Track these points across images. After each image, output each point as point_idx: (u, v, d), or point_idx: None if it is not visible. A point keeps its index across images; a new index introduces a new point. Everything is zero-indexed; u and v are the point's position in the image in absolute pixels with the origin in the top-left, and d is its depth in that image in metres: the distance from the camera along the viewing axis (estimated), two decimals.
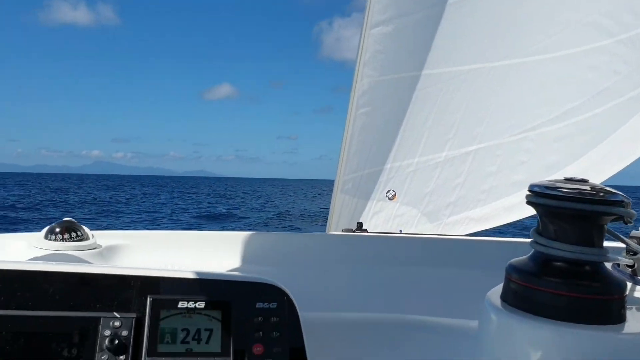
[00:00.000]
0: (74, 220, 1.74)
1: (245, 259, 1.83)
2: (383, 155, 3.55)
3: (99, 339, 0.99)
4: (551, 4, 3.21)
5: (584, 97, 3.27)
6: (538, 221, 1.05)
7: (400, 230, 3.54)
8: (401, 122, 3.48)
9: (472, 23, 3.33)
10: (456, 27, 3.34)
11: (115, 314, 1.02)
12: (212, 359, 1.01)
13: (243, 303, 1.08)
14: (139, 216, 25.61)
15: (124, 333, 1.00)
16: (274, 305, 1.09)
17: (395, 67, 3.39)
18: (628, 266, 1.16)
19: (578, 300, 0.96)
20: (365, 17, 3.29)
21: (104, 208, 29.67)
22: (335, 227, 3.57)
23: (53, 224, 1.71)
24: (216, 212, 28.82)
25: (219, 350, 1.02)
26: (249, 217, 26.09)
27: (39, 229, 1.74)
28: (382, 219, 3.64)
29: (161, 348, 1.01)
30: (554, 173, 3.29)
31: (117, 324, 1.01)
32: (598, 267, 1.00)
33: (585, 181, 1.00)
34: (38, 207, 28.43)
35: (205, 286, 1.08)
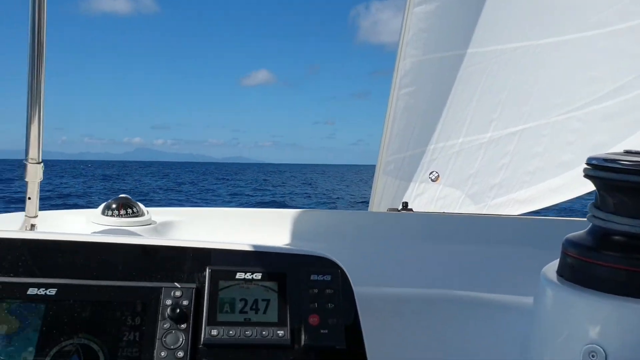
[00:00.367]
0: (130, 197, 1.80)
1: (295, 234, 1.86)
2: (426, 136, 3.52)
3: (160, 308, 1.02)
4: None
5: (633, 74, 3.16)
6: (596, 195, 1.03)
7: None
8: (445, 102, 3.43)
9: (518, 0, 3.25)
10: (501, 5, 3.26)
11: (176, 284, 1.06)
12: (270, 329, 1.04)
13: (298, 275, 1.10)
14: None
15: (185, 302, 1.03)
16: (328, 277, 1.11)
17: (438, 45, 3.34)
18: None
19: (638, 274, 0.95)
20: None
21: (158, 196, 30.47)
22: (377, 209, 3.57)
23: (109, 201, 1.79)
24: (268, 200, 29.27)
25: (276, 320, 1.05)
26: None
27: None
28: (424, 200, 3.61)
29: (221, 317, 1.04)
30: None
31: (177, 293, 1.04)
32: None
33: None
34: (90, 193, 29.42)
35: (261, 258, 1.11)
